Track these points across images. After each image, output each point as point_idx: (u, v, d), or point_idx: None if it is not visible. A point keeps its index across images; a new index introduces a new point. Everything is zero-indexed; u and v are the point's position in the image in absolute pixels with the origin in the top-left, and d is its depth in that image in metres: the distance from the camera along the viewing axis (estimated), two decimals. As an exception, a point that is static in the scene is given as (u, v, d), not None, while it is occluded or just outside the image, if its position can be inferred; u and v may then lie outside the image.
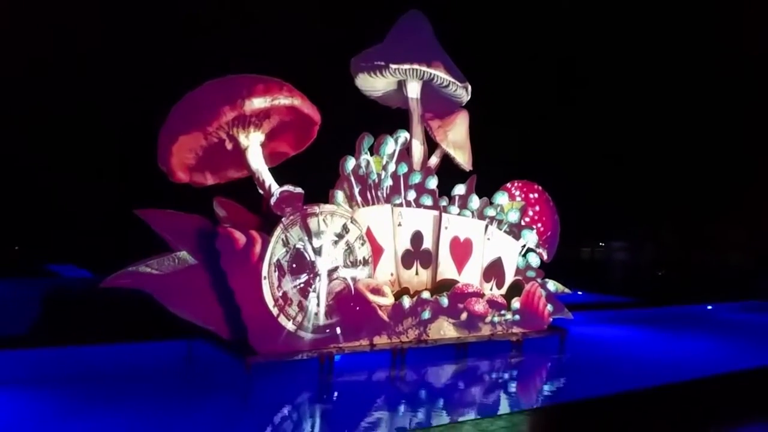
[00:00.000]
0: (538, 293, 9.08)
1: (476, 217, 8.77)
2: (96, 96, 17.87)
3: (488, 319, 8.61)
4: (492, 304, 8.65)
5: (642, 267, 25.96)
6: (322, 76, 10.68)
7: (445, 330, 8.31)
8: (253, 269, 6.79)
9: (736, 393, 6.78)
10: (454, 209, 8.57)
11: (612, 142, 24.04)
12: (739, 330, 12.72)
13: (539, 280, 9.26)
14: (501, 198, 9.17)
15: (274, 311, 6.91)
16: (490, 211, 8.88)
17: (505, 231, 9.01)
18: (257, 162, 7.16)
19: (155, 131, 6.91)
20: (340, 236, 7.42)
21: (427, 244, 8.35)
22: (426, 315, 8.05)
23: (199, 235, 6.94)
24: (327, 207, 7.42)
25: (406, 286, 8.14)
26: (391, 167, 8.07)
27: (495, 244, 8.90)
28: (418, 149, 8.76)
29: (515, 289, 9.05)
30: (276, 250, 6.95)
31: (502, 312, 8.77)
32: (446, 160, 9.03)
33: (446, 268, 8.46)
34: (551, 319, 9.36)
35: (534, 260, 9.26)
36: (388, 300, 7.75)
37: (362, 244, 7.62)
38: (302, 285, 7.12)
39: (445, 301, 8.18)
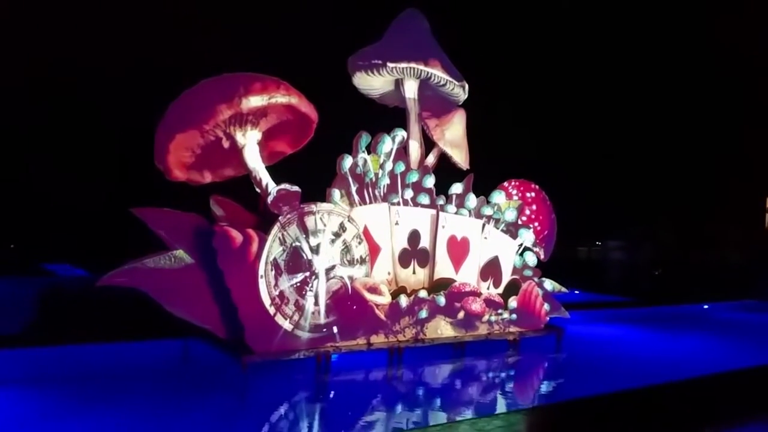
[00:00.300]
0: (535, 292, 9.08)
1: (473, 216, 8.77)
2: (93, 94, 17.82)
3: (485, 318, 8.61)
4: (489, 303, 8.65)
5: (639, 266, 25.98)
6: (319, 75, 10.66)
7: (442, 329, 8.30)
8: (249, 268, 6.77)
9: (734, 392, 6.78)
10: (452, 208, 8.56)
11: (609, 142, 24.07)
12: (737, 329, 12.73)
13: (536, 279, 9.26)
14: (498, 197, 9.16)
15: (271, 310, 6.90)
16: (487, 210, 8.87)
17: (502, 230, 9.01)
18: (254, 160, 7.14)
19: (152, 129, 6.88)
20: (337, 235, 7.40)
21: (425, 243, 8.34)
22: (423, 314, 8.04)
23: (195, 234, 6.92)
24: (324, 205, 7.41)
25: (404, 285, 8.13)
26: (389, 166, 8.06)
27: (492, 243, 8.90)
28: (415, 148, 8.75)
29: (512, 288, 9.05)
30: (273, 249, 6.93)
31: (499, 311, 8.77)
32: (443, 158, 9.02)
33: (443, 267, 8.45)
34: (548, 318, 9.37)
35: (531, 259, 9.26)
36: (385, 299, 7.75)
37: (359, 243, 7.61)
38: (299, 284, 7.10)
39: (442, 300, 8.18)
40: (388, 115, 9.18)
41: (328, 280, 7.29)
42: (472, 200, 8.76)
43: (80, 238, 19.80)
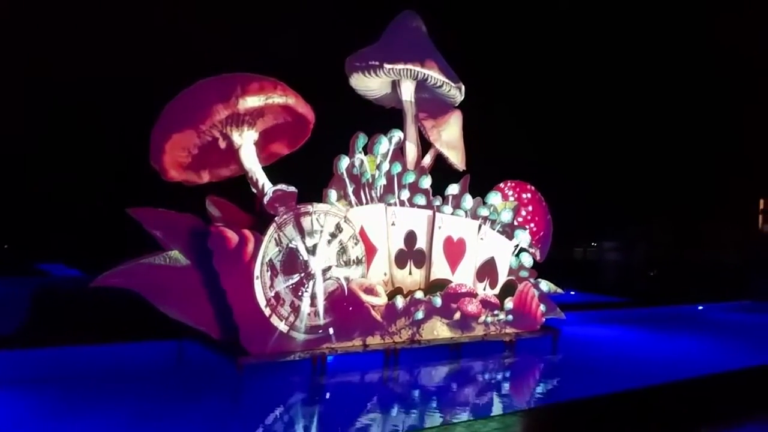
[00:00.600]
0: (531, 293, 9.08)
1: (469, 217, 8.76)
2: (88, 94, 17.74)
3: (481, 319, 8.61)
4: (485, 304, 8.64)
5: (635, 267, 26.03)
6: (316, 76, 10.65)
7: (438, 330, 8.29)
8: (245, 269, 6.74)
9: (730, 392, 6.79)
10: (448, 209, 8.56)
11: (604, 142, 24.10)
12: (733, 330, 12.76)
13: (532, 280, 9.25)
14: (494, 198, 9.16)
15: (266, 311, 6.87)
16: (484, 211, 8.87)
17: (498, 231, 9.00)
18: (250, 161, 7.12)
19: (148, 129, 6.85)
20: (333, 235, 7.38)
21: (421, 243, 8.33)
22: (419, 315, 8.03)
23: (191, 234, 6.88)
24: (320, 206, 7.39)
25: (400, 285, 8.11)
26: (385, 166, 8.05)
27: (488, 243, 8.89)
28: (411, 149, 8.73)
29: (508, 289, 9.04)
30: (269, 250, 6.91)
31: (495, 312, 8.76)
32: (440, 159, 9.03)
33: (439, 268, 8.44)
34: (544, 319, 9.36)
35: (527, 260, 9.26)
36: (382, 300, 7.73)
37: (355, 244, 7.59)
38: (295, 285, 7.08)
39: (438, 301, 8.16)
40: (384, 116, 9.18)
41: (324, 281, 7.27)
42: (468, 201, 8.75)
43: (75, 239, 19.71)
